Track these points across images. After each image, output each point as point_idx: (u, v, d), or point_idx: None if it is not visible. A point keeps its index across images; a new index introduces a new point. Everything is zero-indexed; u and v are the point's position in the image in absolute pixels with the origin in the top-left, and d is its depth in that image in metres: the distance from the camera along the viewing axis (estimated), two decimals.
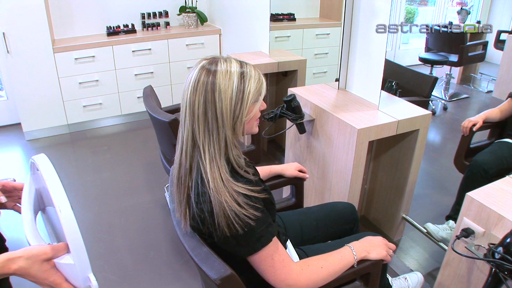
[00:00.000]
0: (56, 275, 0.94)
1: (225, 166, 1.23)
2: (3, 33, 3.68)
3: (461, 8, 5.92)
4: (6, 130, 4.40)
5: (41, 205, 1.18)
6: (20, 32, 3.75)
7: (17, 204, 1.23)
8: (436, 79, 3.13)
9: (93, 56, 4.12)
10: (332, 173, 2.36)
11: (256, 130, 1.35)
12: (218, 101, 1.18)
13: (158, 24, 4.58)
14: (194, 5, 4.66)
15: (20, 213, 1.14)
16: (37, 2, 3.74)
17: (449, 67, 5.05)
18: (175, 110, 2.60)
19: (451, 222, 2.56)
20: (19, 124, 4.17)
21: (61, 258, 0.94)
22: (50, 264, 0.94)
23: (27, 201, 1.12)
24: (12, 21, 3.69)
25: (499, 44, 5.55)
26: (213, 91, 1.18)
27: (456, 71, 5.45)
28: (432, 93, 4.62)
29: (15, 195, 1.22)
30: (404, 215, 2.57)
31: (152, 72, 4.42)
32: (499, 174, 2.20)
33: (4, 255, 0.90)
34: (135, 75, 4.35)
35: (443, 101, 4.92)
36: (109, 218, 2.99)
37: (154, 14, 4.60)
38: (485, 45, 5.23)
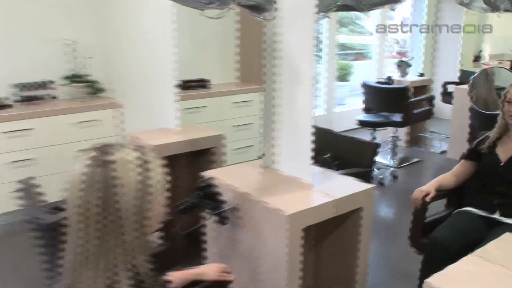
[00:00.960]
0: None
1: (129, 277, 1.13)
2: None
3: (401, 60, 6.22)
4: None
5: None
6: None
7: None
8: (376, 145, 3.16)
9: None
10: (264, 270, 2.24)
11: (158, 226, 1.26)
12: (120, 197, 1.10)
13: (40, 97, 4.37)
14: (86, 73, 4.50)
15: None
16: None
17: (393, 128, 5.19)
18: (63, 207, 2.44)
19: None
20: None
21: None
22: None
23: None
24: None
25: (446, 97, 5.86)
26: (112, 187, 1.11)
27: (403, 132, 5.64)
28: (377, 161, 4.73)
29: None
30: None
31: (34, 159, 4.16)
32: (463, 252, 2.12)
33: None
34: (9, 163, 4.06)
35: (391, 169, 5.02)
36: None
37: (35, 85, 4.35)
38: (431, 100, 5.45)
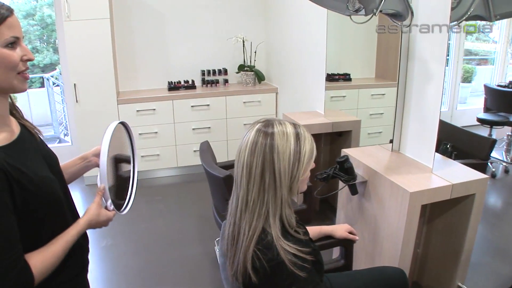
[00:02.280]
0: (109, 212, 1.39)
1: (277, 225, 1.19)
2: (74, 84, 3.90)
3: None
4: None
5: None
6: (89, 84, 3.94)
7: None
8: (494, 141, 2.93)
9: (154, 109, 4.20)
10: (383, 236, 2.20)
11: (305, 188, 1.31)
12: (277, 162, 1.17)
13: (217, 81, 4.66)
14: (252, 64, 4.70)
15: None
16: (106, 57, 3.93)
17: (510, 127, 4.77)
18: (229, 166, 2.56)
19: None
20: None
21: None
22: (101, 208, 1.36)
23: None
24: (83, 73, 3.90)
25: None
26: (272, 153, 1.17)
27: None
28: (492, 155, 4.36)
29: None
30: (460, 284, 2.33)
31: (209, 127, 4.43)
32: None
33: (84, 223, 1.29)
34: (193, 129, 4.38)
35: (504, 164, 4.61)
36: (158, 267, 2.92)
37: (214, 71, 4.67)
38: None
